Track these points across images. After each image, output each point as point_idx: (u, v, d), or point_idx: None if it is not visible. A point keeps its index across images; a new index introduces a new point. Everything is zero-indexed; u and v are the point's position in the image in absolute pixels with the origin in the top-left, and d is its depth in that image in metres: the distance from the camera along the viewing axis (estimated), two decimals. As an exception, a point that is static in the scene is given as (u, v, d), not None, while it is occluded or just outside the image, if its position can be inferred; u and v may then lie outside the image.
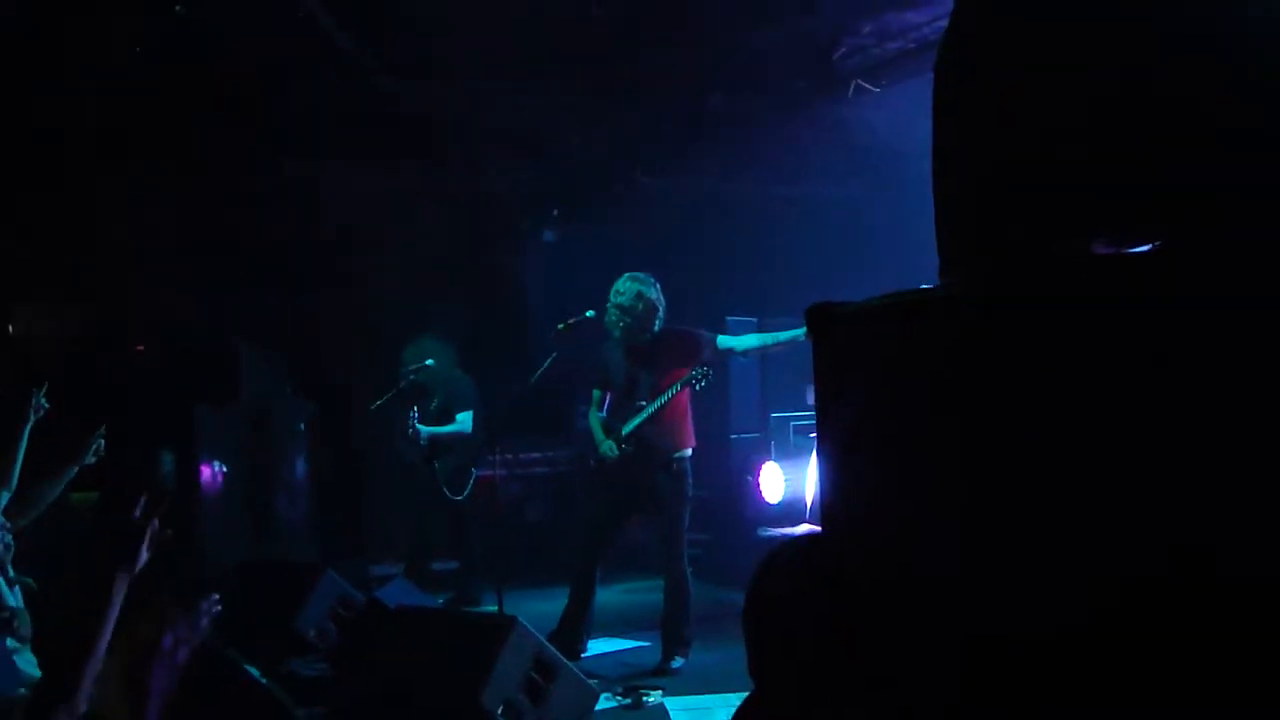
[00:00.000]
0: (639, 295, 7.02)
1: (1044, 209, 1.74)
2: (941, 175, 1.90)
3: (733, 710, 2.23)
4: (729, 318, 8.95)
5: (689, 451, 7.13)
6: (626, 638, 7.67)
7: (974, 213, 1.84)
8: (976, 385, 1.70)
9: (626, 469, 7.06)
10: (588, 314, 7.38)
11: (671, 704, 6.17)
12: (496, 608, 6.97)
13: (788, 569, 2.06)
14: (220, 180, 9.54)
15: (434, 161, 10.21)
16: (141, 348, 9.81)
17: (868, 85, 7.98)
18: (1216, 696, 1.41)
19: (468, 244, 11.28)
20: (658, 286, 7.13)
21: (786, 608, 2.01)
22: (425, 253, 10.86)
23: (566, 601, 7.17)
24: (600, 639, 7.43)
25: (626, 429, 7.02)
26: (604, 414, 7.26)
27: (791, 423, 9.78)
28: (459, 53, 8.10)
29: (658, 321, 7.08)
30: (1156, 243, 1.68)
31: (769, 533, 9.32)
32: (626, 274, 7.13)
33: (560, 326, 7.46)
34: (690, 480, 7.08)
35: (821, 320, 1.99)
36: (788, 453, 9.63)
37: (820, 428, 2.02)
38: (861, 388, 1.94)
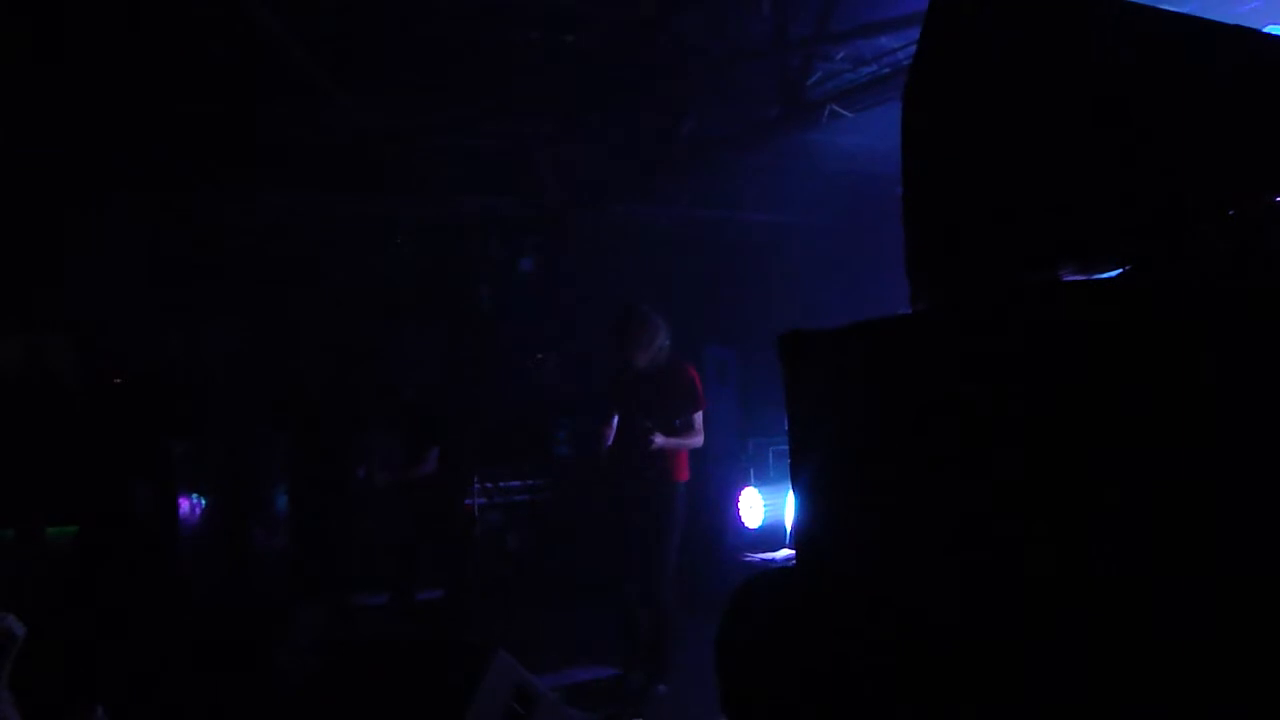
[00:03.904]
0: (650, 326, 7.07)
1: (1012, 237, 1.75)
2: (911, 202, 1.91)
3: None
4: (707, 347, 8.98)
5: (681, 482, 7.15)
6: (605, 665, 7.65)
7: (943, 240, 1.85)
8: (949, 412, 1.71)
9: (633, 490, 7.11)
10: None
11: (652, 731, 6.17)
12: (477, 636, 6.95)
13: (760, 602, 2.05)
14: (193, 210, 9.52)
15: (408, 191, 10.22)
16: (118, 379, 9.78)
17: (841, 111, 8.01)
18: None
19: (443, 273, 11.28)
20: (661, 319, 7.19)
21: (758, 643, 2.01)
22: (400, 282, 10.86)
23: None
24: (580, 667, 7.41)
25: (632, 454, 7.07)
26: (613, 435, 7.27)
27: (771, 448, 9.80)
28: (431, 81, 8.13)
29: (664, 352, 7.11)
30: (1123, 269, 1.70)
31: (749, 558, 9.33)
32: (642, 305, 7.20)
33: (539, 356, 7.50)
34: (680, 506, 7.08)
35: (793, 347, 1.99)
36: (767, 478, 9.64)
37: (793, 454, 2.02)
38: (833, 414, 1.94)
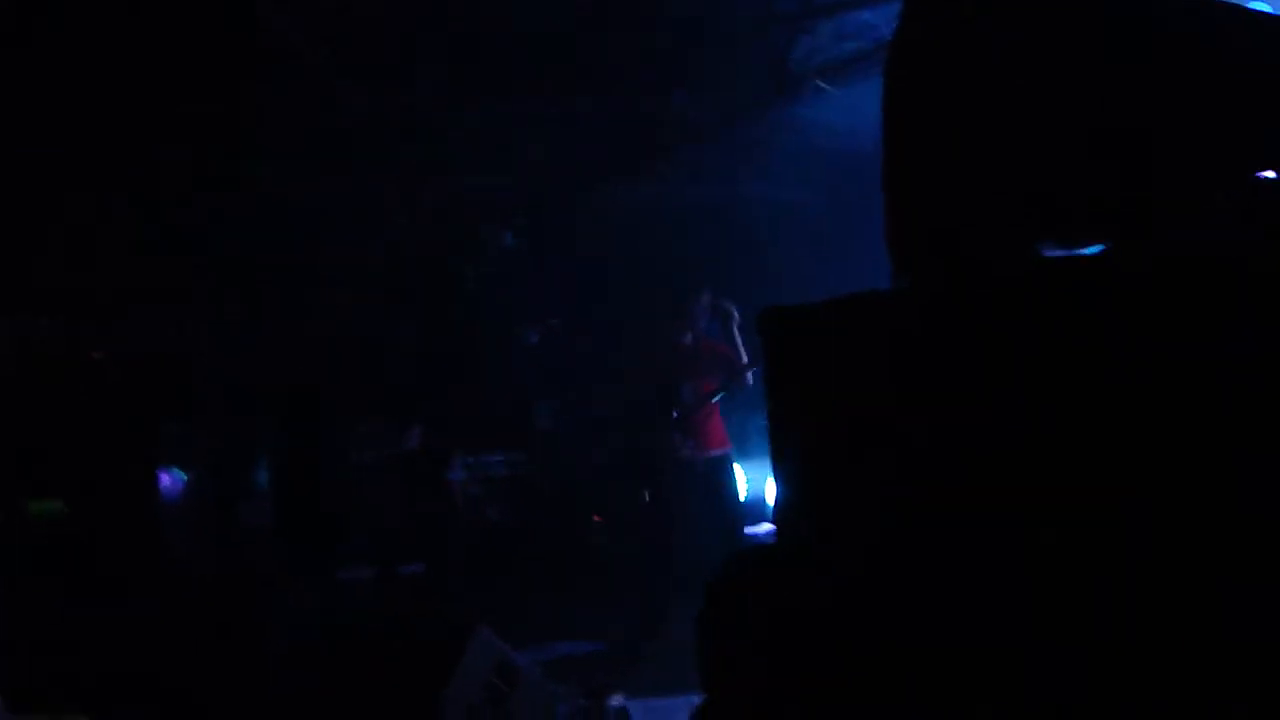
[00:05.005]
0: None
1: (993, 213, 1.75)
2: (891, 178, 1.91)
3: (692, 713, 2.23)
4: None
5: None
6: (588, 639, 7.66)
7: (923, 216, 1.85)
8: (931, 386, 1.71)
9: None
10: (552, 321, 7.52)
11: (634, 706, 6.17)
12: (460, 611, 6.96)
13: (741, 579, 2.05)
14: (180, 186, 9.45)
15: (394, 167, 10.16)
16: (98, 355, 9.73)
17: (825, 85, 8.00)
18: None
19: (427, 248, 11.24)
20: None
21: (740, 621, 2.01)
22: (385, 257, 10.81)
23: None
24: (562, 640, 7.43)
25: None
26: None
27: (754, 422, 9.80)
28: (418, 58, 8.08)
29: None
30: (1103, 247, 1.70)
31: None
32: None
33: (531, 333, 7.60)
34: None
35: (774, 322, 1.99)
36: (750, 453, 9.64)
37: (773, 429, 2.02)
38: (815, 389, 1.94)
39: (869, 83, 7.48)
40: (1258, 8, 1.83)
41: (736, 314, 7.39)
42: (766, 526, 9.02)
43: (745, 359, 7.31)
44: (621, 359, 9.33)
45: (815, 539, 1.90)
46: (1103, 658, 1.49)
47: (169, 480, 9.17)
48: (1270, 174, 1.64)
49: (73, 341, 9.76)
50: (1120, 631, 1.48)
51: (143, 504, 8.57)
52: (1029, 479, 1.57)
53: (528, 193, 11.00)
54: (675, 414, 7.41)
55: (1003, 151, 1.74)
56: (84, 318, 9.82)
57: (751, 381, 7.27)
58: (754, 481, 9.34)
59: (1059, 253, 1.74)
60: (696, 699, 2.22)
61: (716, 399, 7.29)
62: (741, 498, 7.57)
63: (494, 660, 5.17)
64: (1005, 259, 1.75)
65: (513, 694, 5.15)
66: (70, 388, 9.10)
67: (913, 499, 1.71)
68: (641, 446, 7.50)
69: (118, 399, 9.05)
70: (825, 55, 8.18)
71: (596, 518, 10.36)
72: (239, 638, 6.48)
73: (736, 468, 7.96)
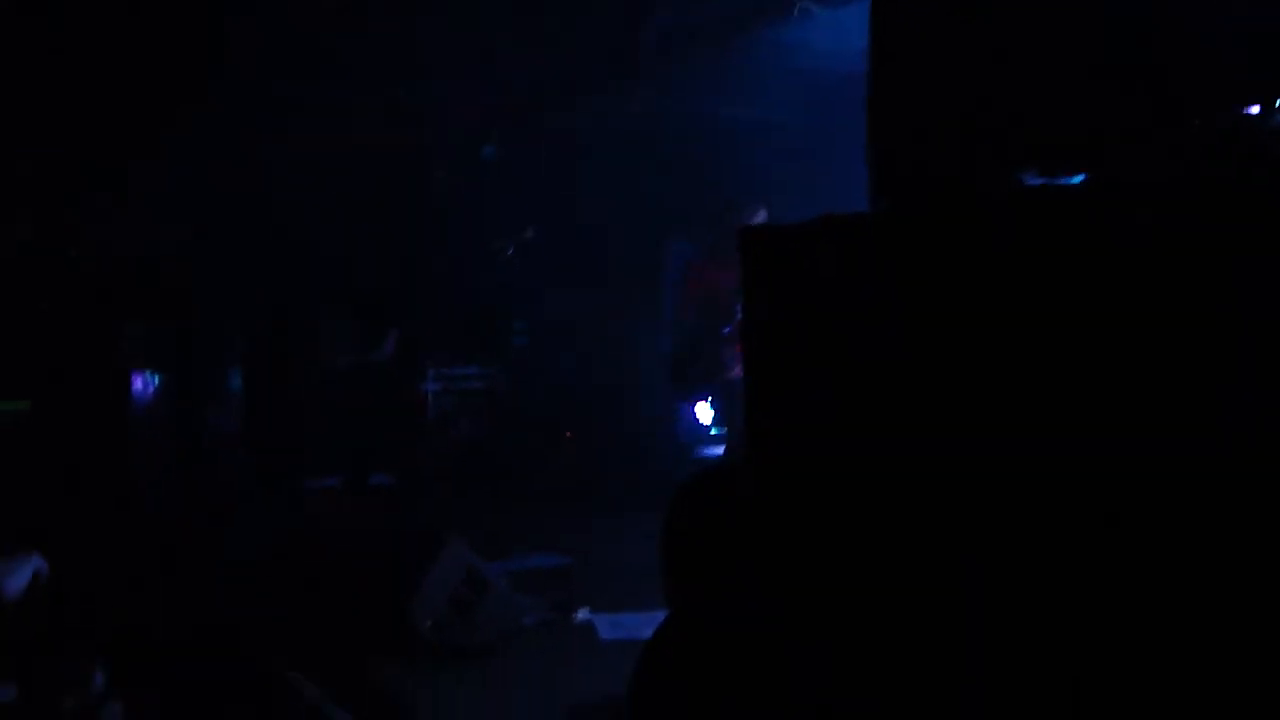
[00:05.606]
0: None
1: (975, 139, 1.74)
2: (875, 99, 1.90)
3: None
4: (672, 242, 8.94)
5: None
6: (555, 553, 7.71)
7: (905, 140, 1.84)
8: (907, 309, 1.71)
9: None
10: (528, 233, 7.45)
11: (599, 620, 6.23)
12: (429, 522, 6.99)
13: (705, 495, 2.07)
14: (157, 92, 9.33)
15: (370, 76, 10.04)
16: (72, 253, 9.66)
17: (812, 5, 7.95)
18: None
19: (404, 160, 11.14)
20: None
21: (701, 534, 2.03)
22: (360, 167, 10.72)
23: None
24: (530, 554, 7.47)
25: None
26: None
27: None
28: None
29: None
30: (1085, 175, 1.69)
31: (702, 454, 9.40)
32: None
33: (508, 248, 7.54)
34: None
35: (752, 243, 1.98)
36: (724, 375, 9.69)
37: (746, 350, 2.02)
38: (791, 310, 1.94)
39: (857, 3, 7.45)
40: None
41: None
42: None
43: None
44: (597, 272, 9.32)
45: (785, 459, 1.90)
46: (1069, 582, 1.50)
47: (141, 383, 9.14)
48: (1254, 108, 1.63)
49: (45, 241, 9.68)
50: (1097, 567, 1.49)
51: (111, 405, 8.54)
52: (1000, 408, 1.58)
53: (507, 107, 10.90)
54: (726, 329, 7.32)
55: (988, 77, 1.73)
56: (56, 218, 9.73)
57: None
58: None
59: (1040, 181, 1.74)
60: (661, 615, 2.25)
61: None
62: None
63: (463, 570, 5.22)
64: (986, 185, 1.75)
65: (480, 604, 5.20)
66: (41, 288, 9.04)
67: (882, 421, 1.72)
68: (690, 369, 7.44)
69: (89, 299, 9.00)
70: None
71: (568, 434, 10.41)
72: (205, 546, 6.51)
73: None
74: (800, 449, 1.90)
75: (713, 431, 9.38)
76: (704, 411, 9.46)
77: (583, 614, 6.29)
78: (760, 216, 7.32)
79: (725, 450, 7.45)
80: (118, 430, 8.45)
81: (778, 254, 1.95)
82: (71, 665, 3.18)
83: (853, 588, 1.73)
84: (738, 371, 7.27)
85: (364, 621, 5.34)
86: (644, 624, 6.10)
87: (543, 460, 10.18)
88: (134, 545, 6.13)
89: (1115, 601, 1.45)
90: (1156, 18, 1.63)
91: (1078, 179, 1.72)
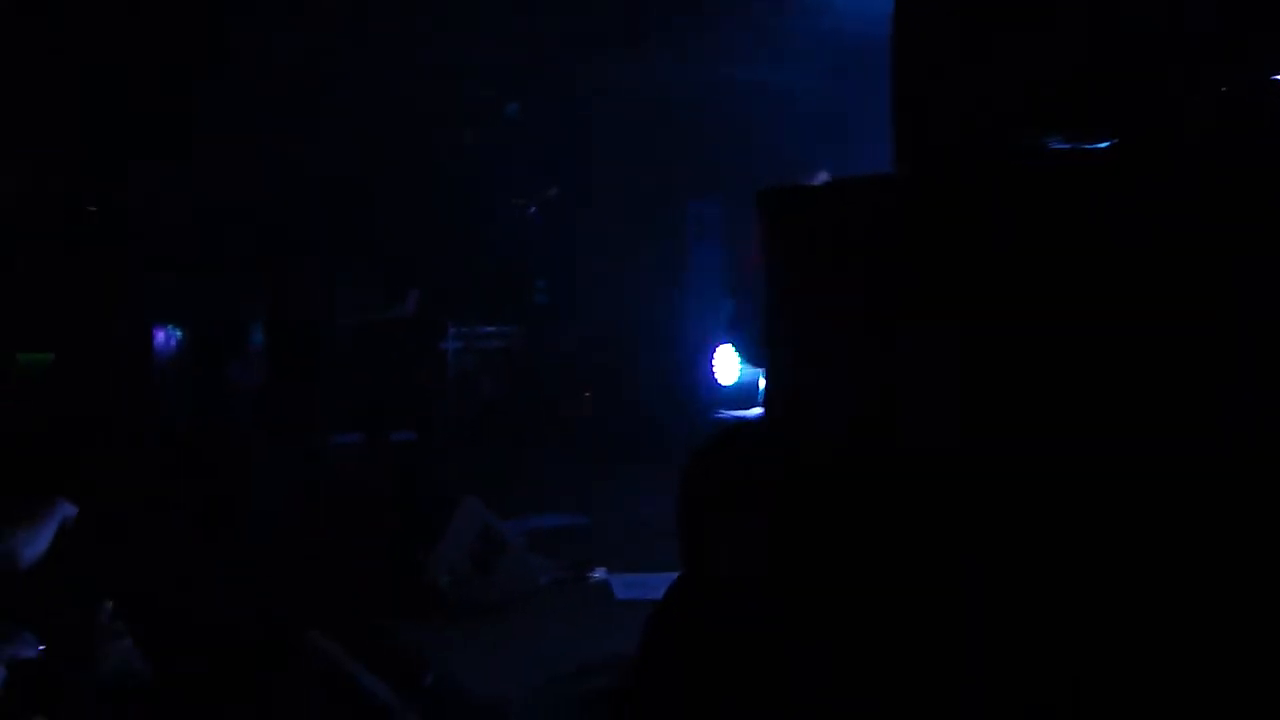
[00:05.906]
0: None
1: (1001, 101, 1.72)
2: (901, 64, 1.88)
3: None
4: (690, 201, 8.90)
5: None
6: (574, 514, 7.73)
7: (931, 101, 1.83)
8: (930, 272, 1.70)
9: None
10: (551, 192, 7.39)
11: (615, 580, 6.24)
12: (448, 480, 7.00)
13: (724, 456, 2.06)
14: (174, 51, 9.31)
15: (393, 30, 10.00)
16: (93, 208, 9.67)
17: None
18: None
19: (426, 117, 11.11)
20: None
21: (718, 497, 2.02)
22: (382, 122, 10.68)
23: None
24: (548, 514, 7.49)
25: None
26: None
27: (748, 305, 9.81)
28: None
29: None
30: (1111, 139, 1.67)
31: (722, 414, 9.38)
32: None
33: (530, 207, 7.48)
34: None
35: (773, 203, 1.97)
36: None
37: (768, 312, 2.01)
38: (811, 272, 1.93)
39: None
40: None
41: None
42: (757, 410, 9.06)
43: None
44: (618, 232, 9.28)
45: (804, 423, 1.90)
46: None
47: (164, 337, 9.18)
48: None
49: (69, 196, 9.70)
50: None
51: (133, 359, 8.58)
52: (1021, 374, 1.57)
53: (530, 65, 10.85)
54: None
55: (1015, 42, 1.71)
56: (81, 172, 9.75)
57: None
58: (745, 366, 9.36)
59: (1066, 146, 1.72)
60: (675, 575, 2.25)
61: None
62: None
63: (480, 529, 5.23)
64: (1011, 149, 1.73)
65: (497, 562, 5.22)
66: (64, 242, 9.07)
67: (912, 390, 1.71)
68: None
69: (112, 253, 9.02)
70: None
71: (587, 393, 10.41)
72: (222, 503, 6.53)
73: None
74: (813, 421, 1.89)
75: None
76: (725, 369, 9.44)
77: (599, 573, 6.30)
78: (821, 178, 7.27)
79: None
80: (139, 383, 8.49)
81: (798, 215, 1.94)
82: (102, 613, 3.19)
83: (858, 570, 1.73)
84: None
85: (381, 578, 5.36)
86: (659, 584, 6.10)
87: (562, 419, 10.18)
88: (152, 497, 6.16)
89: (1115, 601, 1.44)
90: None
91: (1103, 145, 1.70)
